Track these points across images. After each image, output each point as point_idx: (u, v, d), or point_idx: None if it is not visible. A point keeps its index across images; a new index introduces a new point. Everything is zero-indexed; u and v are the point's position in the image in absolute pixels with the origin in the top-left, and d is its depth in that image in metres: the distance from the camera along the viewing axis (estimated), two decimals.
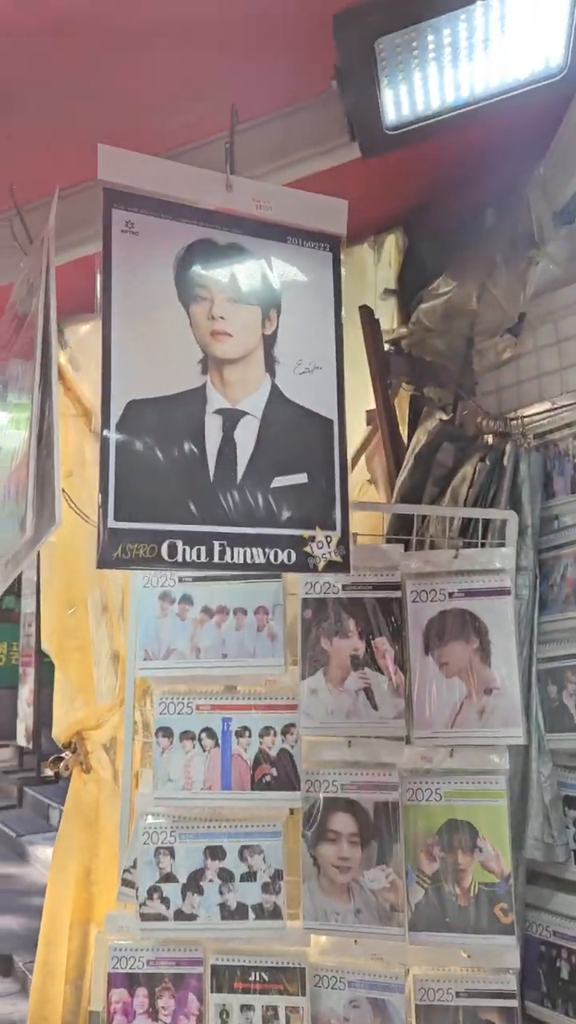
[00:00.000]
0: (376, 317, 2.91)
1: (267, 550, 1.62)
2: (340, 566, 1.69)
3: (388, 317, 3.04)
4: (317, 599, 2.19)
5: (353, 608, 2.17)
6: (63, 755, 2.62)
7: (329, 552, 1.67)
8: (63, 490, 2.34)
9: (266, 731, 2.17)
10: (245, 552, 1.60)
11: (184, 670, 2.19)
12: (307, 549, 1.66)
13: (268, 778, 2.15)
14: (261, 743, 2.16)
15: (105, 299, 1.56)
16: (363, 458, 2.88)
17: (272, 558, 1.62)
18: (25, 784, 9.01)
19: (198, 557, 1.57)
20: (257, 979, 2.15)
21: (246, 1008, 2.14)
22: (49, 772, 9.02)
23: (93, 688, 2.61)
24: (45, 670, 9.72)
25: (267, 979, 2.14)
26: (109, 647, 2.60)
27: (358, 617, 2.17)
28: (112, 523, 1.51)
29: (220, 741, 2.17)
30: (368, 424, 2.88)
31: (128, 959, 2.18)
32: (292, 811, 2.19)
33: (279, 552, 1.64)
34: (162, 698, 2.20)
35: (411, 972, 2.11)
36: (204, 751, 2.17)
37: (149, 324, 1.61)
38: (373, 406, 2.83)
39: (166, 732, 2.19)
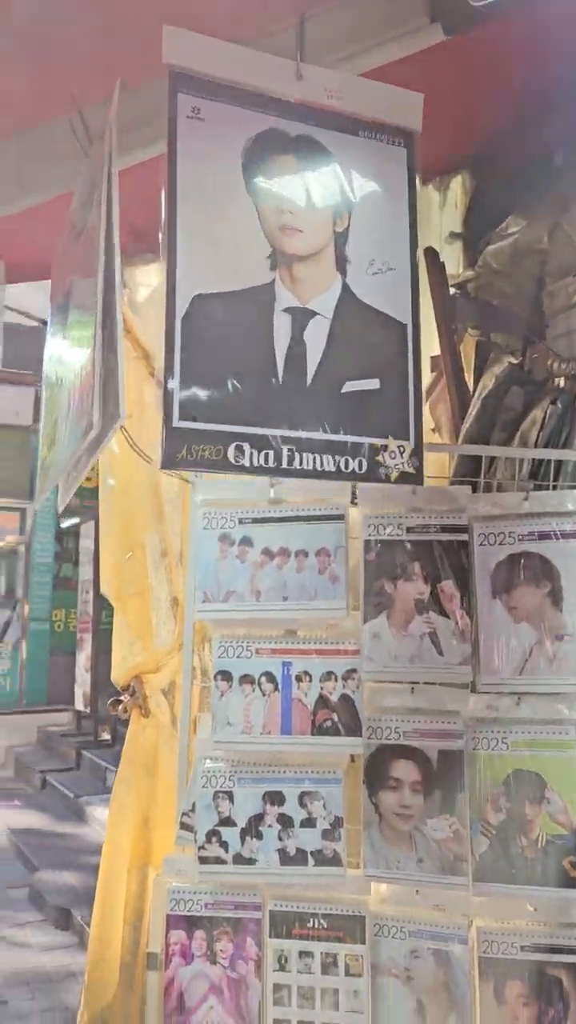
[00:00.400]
0: (441, 261, 2.81)
1: (337, 458, 1.56)
2: (413, 477, 1.62)
3: (454, 261, 2.94)
4: (381, 541, 2.12)
5: (418, 551, 2.10)
6: (121, 697, 2.63)
7: (402, 463, 1.60)
8: (124, 429, 2.33)
9: (327, 676, 2.12)
10: (314, 459, 1.54)
11: (243, 613, 2.15)
12: (379, 459, 1.59)
13: (329, 723, 2.11)
14: (322, 688, 2.12)
15: (170, 188, 1.50)
16: (427, 405, 2.79)
17: (343, 466, 1.56)
18: (82, 748, 9.18)
19: (265, 462, 1.51)
20: (316, 926, 2.12)
21: (305, 954, 2.11)
22: (106, 736, 9.20)
23: (152, 632, 2.59)
24: (103, 637, 9.90)
25: (326, 926, 2.11)
26: (168, 592, 2.58)
27: (423, 560, 2.10)
28: (177, 422, 1.46)
29: (280, 685, 2.13)
30: (432, 371, 2.79)
31: (186, 901, 2.17)
32: (353, 758, 2.15)
33: (350, 460, 1.57)
34: (221, 641, 2.17)
35: (474, 924, 2.05)
36: (264, 695, 2.14)
37: (215, 216, 1.54)
38: (438, 352, 2.73)
39: (225, 676, 2.16)
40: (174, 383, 1.46)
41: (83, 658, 9.95)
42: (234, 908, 2.16)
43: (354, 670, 2.11)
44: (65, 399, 1.69)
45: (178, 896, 2.18)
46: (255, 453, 1.51)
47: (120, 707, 2.61)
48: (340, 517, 2.14)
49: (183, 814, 2.23)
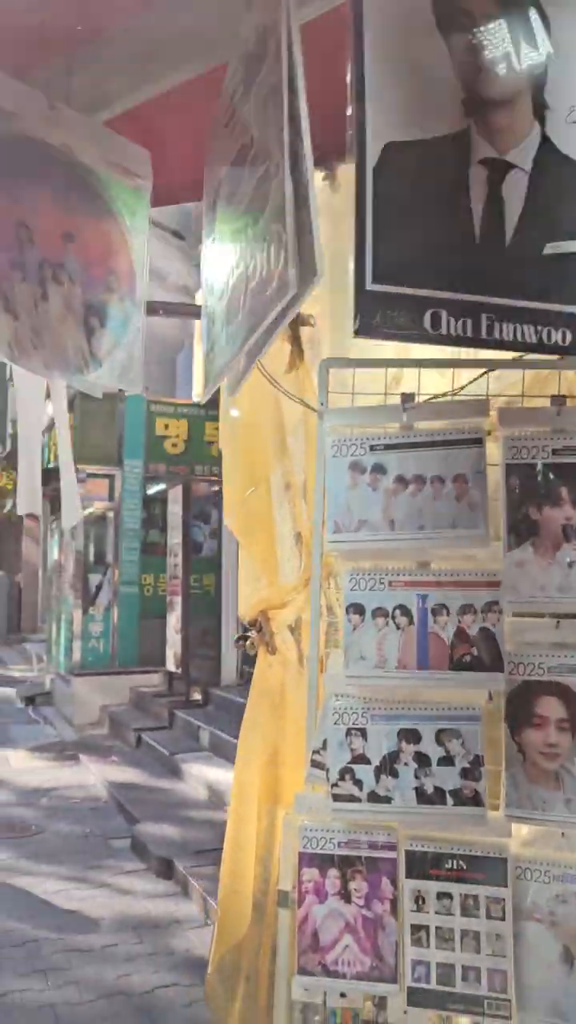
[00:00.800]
0: None
1: (539, 328, 1.43)
2: None
3: None
4: (524, 465, 2.00)
5: (565, 474, 1.97)
6: (248, 633, 2.59)
7: None
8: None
9: (466, 609, 2.02)
10: (515, 329, 1.42)
11: (377, 543, 2.06)
12: None
13: (468, 658, 2.01)
14: (460, 621, 2.02)
15: (355, 26, 1.38)
16: None
17: (545, 337, 1.44)
18: (175, 707, 9.35)
19: (463, 331, 1.40)
20: (455, 867, 2.04)
21: (443, 895, 2.04)
22: (197, 696, 9.34)
23: (277, 568, 2.54)
24: (192, 600, 10.02)
25: (465, 867, 2.04)
26: (291, 527, 2.51)
27: (572, 484, 1.96)
28: (370, 285, 1.36)
29: (415, 619, 2.05)
30: None
31: (319, 840, 2.12)
32: (491, 695, 2.05)
33: (552, 331, 1.45)
34: (353, 574, 2.09)
35: None
36: (398, 629, 2.05)
37: (405, 56, 1.42)
38: None
39: (357, 609, 2.08)
40: (366, 240, 1.35)
41: (173, 620, 10.11)
42: (368, 847, 2.10)
43: (495, 602, 2.01)
44: (226, 294, 1.60)
45: (310, 834, 2.13)
46: (452, 321, 1.39)
47: (247, 643, 2.57)
48: (479, 441, 2.02)
49: (313, 752, 2.18)
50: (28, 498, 1.64)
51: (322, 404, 2.15)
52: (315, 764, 2.18)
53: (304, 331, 2.35)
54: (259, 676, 2.57)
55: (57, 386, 1.72)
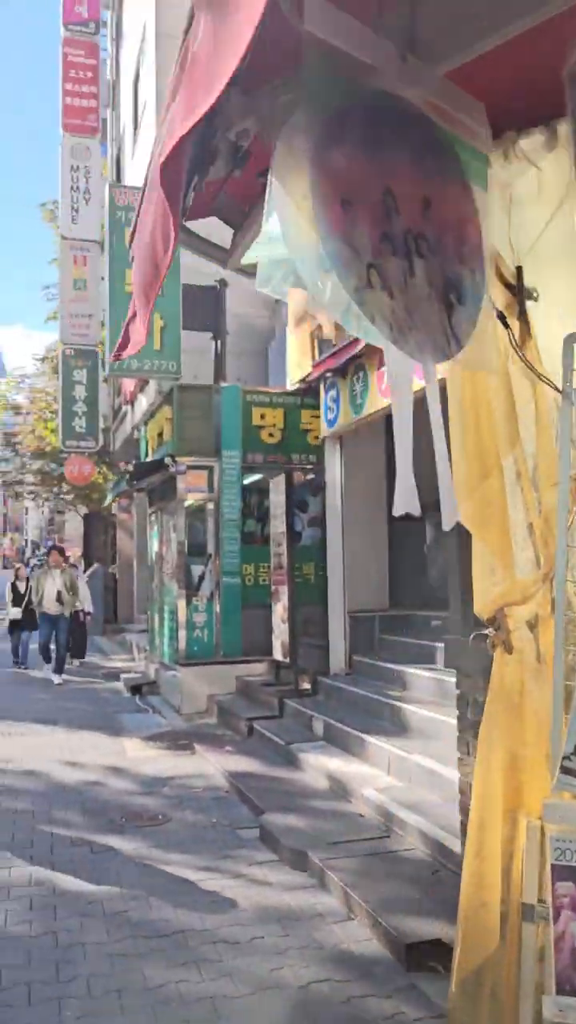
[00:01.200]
0: None
1: None
2: None
3: None
4: None
5: None
6: (486, 632, 2.45)
7: None
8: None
9: None
10: None
11: None
12: None
13: None
14: None
15: None
16: None
17: None
18: (284, 697, 9.31)
19: None
20: None
21: None
22: (306, 685, 9.28)
23: (512, 560, 2.38)
24: (298, 589, 9.96)
25: None
26: (524, 517, 2.35)
27: None
28: None
29: None
30: None
31: (574, 851, 1.98)
32: None
33: None
34: None
35: None
36: None
37: None
38: None
39: None
40: None
41: (279, 609, 10.08)
42: None
43: None
44: None
45: (563, 845, 1.99)
46: None
47: (487, 641, 2.43)
48: None
49: (564, 757, 2.03)
50: (405, 498, 1.51)
51: (567, 384, 1.99)
52: (565, 770, 2.03)
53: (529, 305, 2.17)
54: (496, 676, 2.42)
55: (429, 372, 1.61)
